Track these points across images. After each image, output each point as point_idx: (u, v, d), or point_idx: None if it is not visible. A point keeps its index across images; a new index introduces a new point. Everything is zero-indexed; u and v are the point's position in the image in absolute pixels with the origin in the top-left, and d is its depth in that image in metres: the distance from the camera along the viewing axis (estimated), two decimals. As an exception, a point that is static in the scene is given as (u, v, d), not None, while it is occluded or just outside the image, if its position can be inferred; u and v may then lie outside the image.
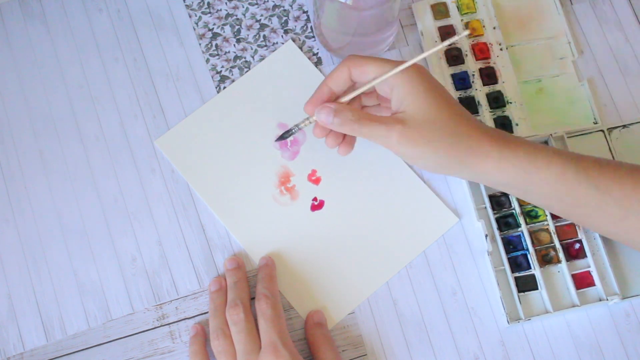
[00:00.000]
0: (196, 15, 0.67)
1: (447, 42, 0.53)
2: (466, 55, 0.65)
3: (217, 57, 0.66)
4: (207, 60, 0.66)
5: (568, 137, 0.63)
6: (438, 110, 0.54)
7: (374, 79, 0.55)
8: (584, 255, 0.61)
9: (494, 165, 0.54)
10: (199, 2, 0.67)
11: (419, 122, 0.53)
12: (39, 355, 0.59)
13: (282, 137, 0.59)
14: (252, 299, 0.59)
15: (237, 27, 0.67)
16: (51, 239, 0.61)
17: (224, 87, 0.65)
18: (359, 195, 0.62)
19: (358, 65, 0.55)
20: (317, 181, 0.63)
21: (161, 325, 0.60)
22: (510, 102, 0.64)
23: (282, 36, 0.66)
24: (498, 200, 0.62)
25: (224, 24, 0.67)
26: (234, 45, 0.66)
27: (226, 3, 0.67)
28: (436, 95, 0.54)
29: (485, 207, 0.62)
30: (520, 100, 0.64)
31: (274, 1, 0.67)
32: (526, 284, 0.60)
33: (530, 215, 0.62)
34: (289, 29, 0.67)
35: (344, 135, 0.58)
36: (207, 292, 0.60)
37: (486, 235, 0.60)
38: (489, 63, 0.65)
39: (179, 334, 0.60)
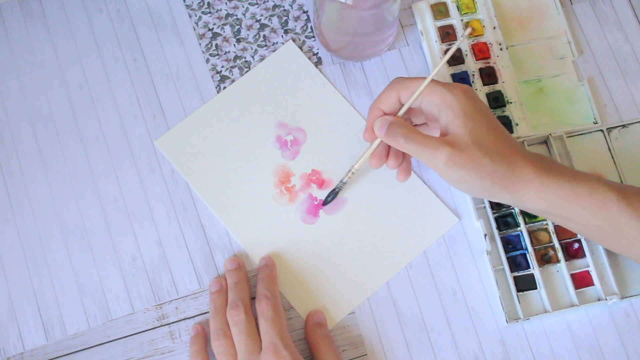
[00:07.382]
0: (196, 15, 0.67)
1: (454, 47, 0.54)
2: (466, 55, 0.65)
3: (217, 57, 0.66)
4: (207, 60, 0.66)
5: (568, 137, 0.63)
6: (485, 134, 0.53)
7: (418, 96, 0.55)
8: (583, 255, 0.61)
9: (535, 191, 0.53)
10: (199, 2, 0.67)
11: (466, 145, 0.52)
12: (39, 355, 0.59)
13: (327, 201, 0.61)
14: (253, 298, 0.59)
15: (237, 27, 0.67)
16: (51, 239, 0.62)
17: (224, 87, 0.65)
18: (359, 196, 0.62)
19: (406, 87, 0.55)
20: (317, 181, 0.63)
21: (161, 325, 0.60)
22: (510, 102, 0.64)
23: (282, 36, 0.66)
24: (498, 200, 0.62)
25: (224, 24, 0.67)
26: (234, 45, 0.66)
27: (226, 3, 0.67)
28: (482, 117, 0.54)
29: (485, 207, 0.62)
30: (520, 100, 0.64)
31: (274, 1, 0.67)
32: (525, 284, 0.60)
33: (529, 214, 0.62)
34: (289, 29, 0.67)
35: (402, 161, 0.59)
36: (207, 292, 0.60)
37: (485, 235, 0.60)
38: (489, 63, 0.65)
39: (179, 334, 0.60)
